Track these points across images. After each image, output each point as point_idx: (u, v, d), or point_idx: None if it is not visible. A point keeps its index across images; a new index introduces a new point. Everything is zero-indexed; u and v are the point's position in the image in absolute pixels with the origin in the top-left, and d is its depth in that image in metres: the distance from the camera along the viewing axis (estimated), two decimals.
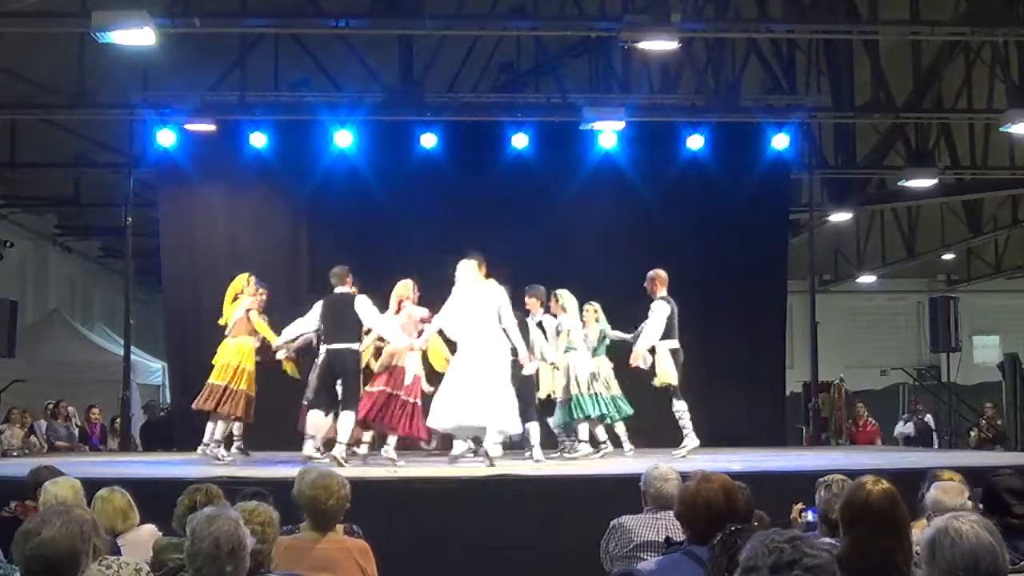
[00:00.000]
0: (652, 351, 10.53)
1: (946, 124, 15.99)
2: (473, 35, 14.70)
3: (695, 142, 14.50)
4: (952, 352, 16.78)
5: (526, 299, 10.87)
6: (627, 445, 11.31)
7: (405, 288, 10.45)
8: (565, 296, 11.09)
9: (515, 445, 10.41)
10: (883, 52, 14.57)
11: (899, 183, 16.04)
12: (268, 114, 14.20)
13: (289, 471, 7.63)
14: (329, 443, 10.10)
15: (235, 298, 10.96)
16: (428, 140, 14.21)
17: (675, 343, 10.71)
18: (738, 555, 3.20)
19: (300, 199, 14.50)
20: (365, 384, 10.20)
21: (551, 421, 11.27)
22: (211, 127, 13.79)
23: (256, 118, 14.10)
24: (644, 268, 11.21)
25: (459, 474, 8.82)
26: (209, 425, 10.87)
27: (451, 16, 13.22)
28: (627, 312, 11.42)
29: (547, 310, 11.05)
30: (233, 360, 10.69)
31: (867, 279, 23.05)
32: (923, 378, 20.46)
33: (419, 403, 10.20)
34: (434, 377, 10.47)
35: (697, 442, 10.77)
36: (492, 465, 9.18)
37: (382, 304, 10.23)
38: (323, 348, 10.07)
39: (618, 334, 11.30)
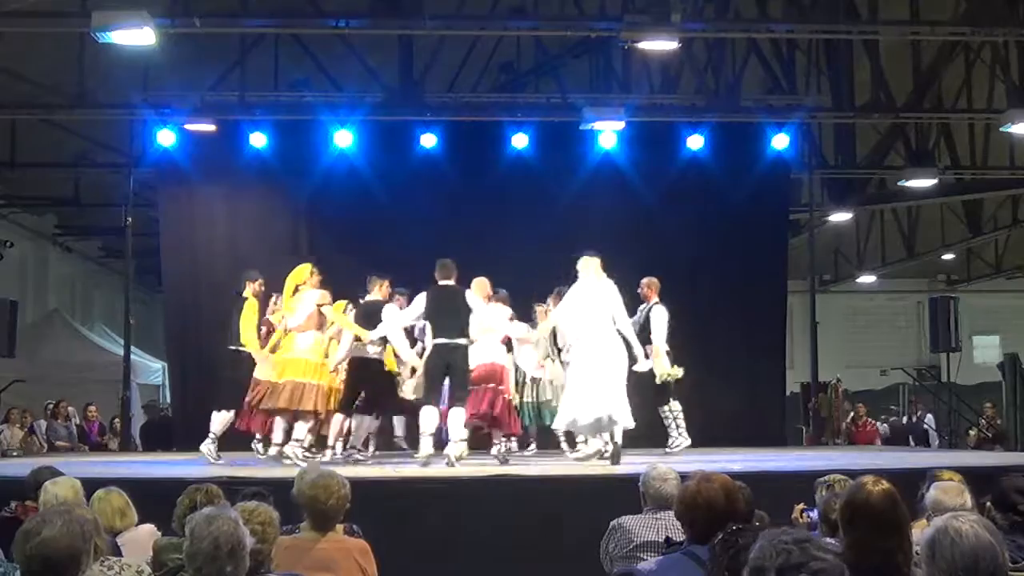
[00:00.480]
0: (647, 355, 10.55)
1: (946, 124, 16.00)
2: (473, 35, 14.69)
3: (695, 142, 14.51)
4: (952, 352, 16.77)
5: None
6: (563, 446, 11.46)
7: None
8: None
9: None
10: (883, 52, 14.57)
11: (899, 183, 16.06)
12: (268, 114, 14.21)
13: (289, 471, 7.63)
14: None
15: (296, 290, 10.27)
16: (428, 140, 14.22)
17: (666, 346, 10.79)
18: (739, 555, 3.21)
19: (300, 199, 14.50)
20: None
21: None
22: (211, 127, 13.80)
23: (256, 118, 14.11)
24: (644, 268, 11.21)
25: (459, 474, 8.81)
26: (282, 424, 10.13)
27: (451, 16, 13.22)
28: (627, 312, 11.39)
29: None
30: (310, 356, 10.11)
31: (867, 279, 23.06)
32: (923, 378, 20.47)
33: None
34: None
35: (690, 441, 10.84)
36: (616, 463, 9.14)
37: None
38: (431, 343, 9.66)
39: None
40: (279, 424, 10.17)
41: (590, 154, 14.37)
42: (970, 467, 7.25)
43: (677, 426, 10.92)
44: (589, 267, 9.57)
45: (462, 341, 9.48)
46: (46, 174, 17.48)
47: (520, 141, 14.25)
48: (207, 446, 10.38)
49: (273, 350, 10.39)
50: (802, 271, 17.14)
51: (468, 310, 9.50)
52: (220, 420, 10.52)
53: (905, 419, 18.17)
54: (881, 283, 23.98)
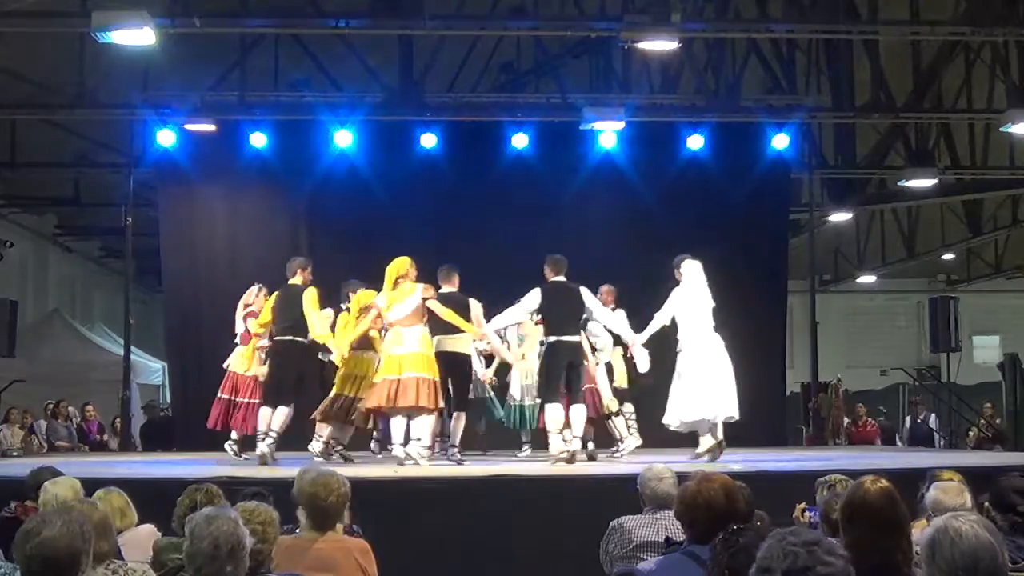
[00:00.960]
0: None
1: (946, 124, 15.99)
2: (473, 35, 14.69)
3: (695, 142, 14.50)
4: (952, 352, 16.77)
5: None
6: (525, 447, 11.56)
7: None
8: None
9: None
10: (883, 52, 14.56)
11: (899, 183, 16.05)
12: (268, 114, 14.21)
13: (289, 471, 7.62)
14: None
15: (396, 283, 9.63)
16: (428, 140, 14.22)
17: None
18: (739, 555, 3.21)
19: (300, 199, 14.50)
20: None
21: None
22: (211, 127, 13.80)
23: (256, 118, 14.11)
24: (644, 268, 11.21)
25: (459, 474, 8.82)
26: (399, 423, 9.51)
27: (451, 16, 13.21)
28: (627, 312, 11.39)
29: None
30: (424, 349, 9.47)
31: (867, 279, 23.06)
32: (923, 378, 20.46)
33: None
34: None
35: (640, 442, 10.84)
36: (715, 460, 9.38)
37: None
38: (545, 339, 9.54)
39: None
40: (397, 424, 9.49)
41: (590, 154, 14.37)
42: (970, 467, 7.25)
43: (629, 427, 10.95)
44: (696, 270, 9.87)
45: (577, 338, 9.54)
46: (46, 174, 17.47)
47: (520, 141, 14.25)
48: (265, 446, 9.64)
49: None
50: (802, 271, 17.13)
51: (583, 307, 9.51)
52: (281, 417, 9.77)
53: (908, 420, 18.12)
54: (881, 283, 23.98)
